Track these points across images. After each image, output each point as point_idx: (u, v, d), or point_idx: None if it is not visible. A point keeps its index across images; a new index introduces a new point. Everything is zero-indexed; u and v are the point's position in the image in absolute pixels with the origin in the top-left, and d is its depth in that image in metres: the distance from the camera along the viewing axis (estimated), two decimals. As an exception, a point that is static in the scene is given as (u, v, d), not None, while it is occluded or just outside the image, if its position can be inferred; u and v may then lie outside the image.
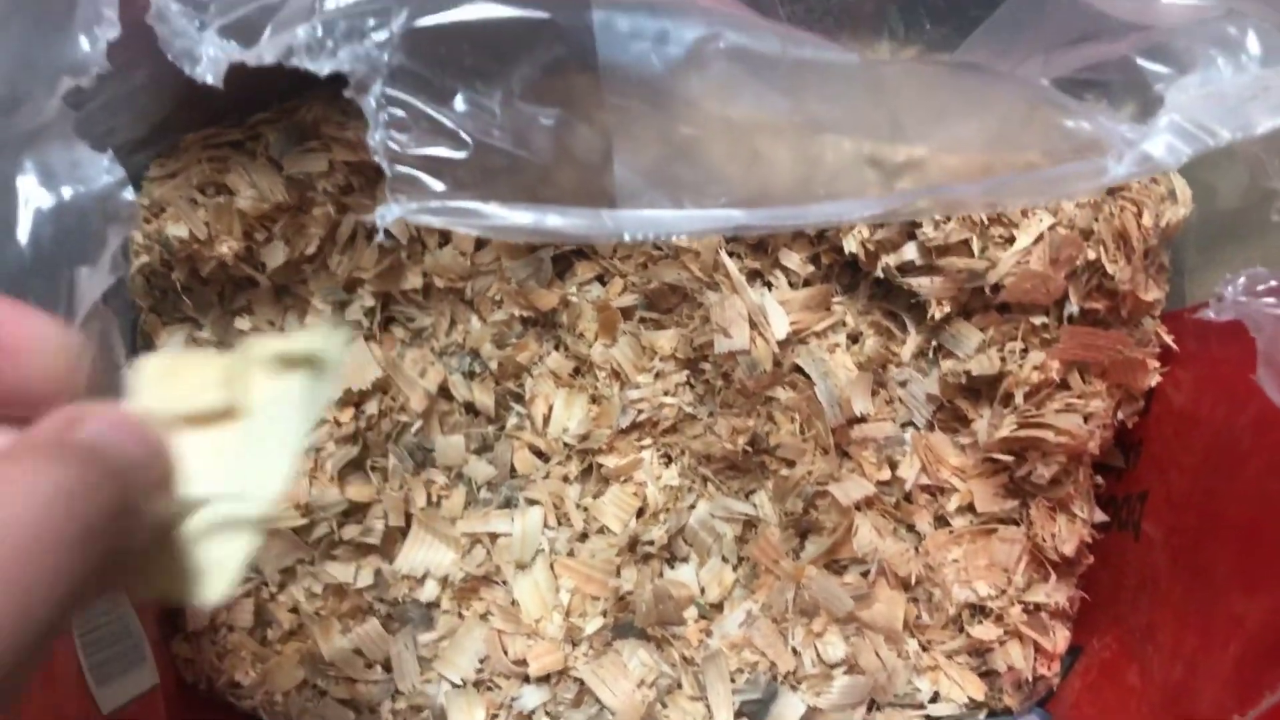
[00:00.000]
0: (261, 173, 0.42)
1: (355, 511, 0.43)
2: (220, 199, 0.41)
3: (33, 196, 0.26)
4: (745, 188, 0.25)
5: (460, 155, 0.25)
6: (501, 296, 0.44)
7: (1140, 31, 0.26)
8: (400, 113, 0.25)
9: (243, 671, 0.41)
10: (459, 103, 0.25)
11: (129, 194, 0.28)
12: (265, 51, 0.26)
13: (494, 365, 0.44)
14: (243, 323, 0.44)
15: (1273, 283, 0.27)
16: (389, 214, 0.25)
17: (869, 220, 0.27)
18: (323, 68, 0.26)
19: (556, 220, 0.24)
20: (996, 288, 0.36)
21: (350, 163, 0.43)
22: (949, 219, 0.35)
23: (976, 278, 0.36)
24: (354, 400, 0.43)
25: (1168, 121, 0.24)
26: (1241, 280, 0.27)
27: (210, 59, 0.25)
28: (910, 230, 0.36)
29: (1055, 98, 0.25)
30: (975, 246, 0.35)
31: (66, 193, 0.27)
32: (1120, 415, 0.38)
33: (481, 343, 0.44)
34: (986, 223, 0.35)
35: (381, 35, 0.25)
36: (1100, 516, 0.39)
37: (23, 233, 0.26)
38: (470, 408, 0.44)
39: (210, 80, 0.25)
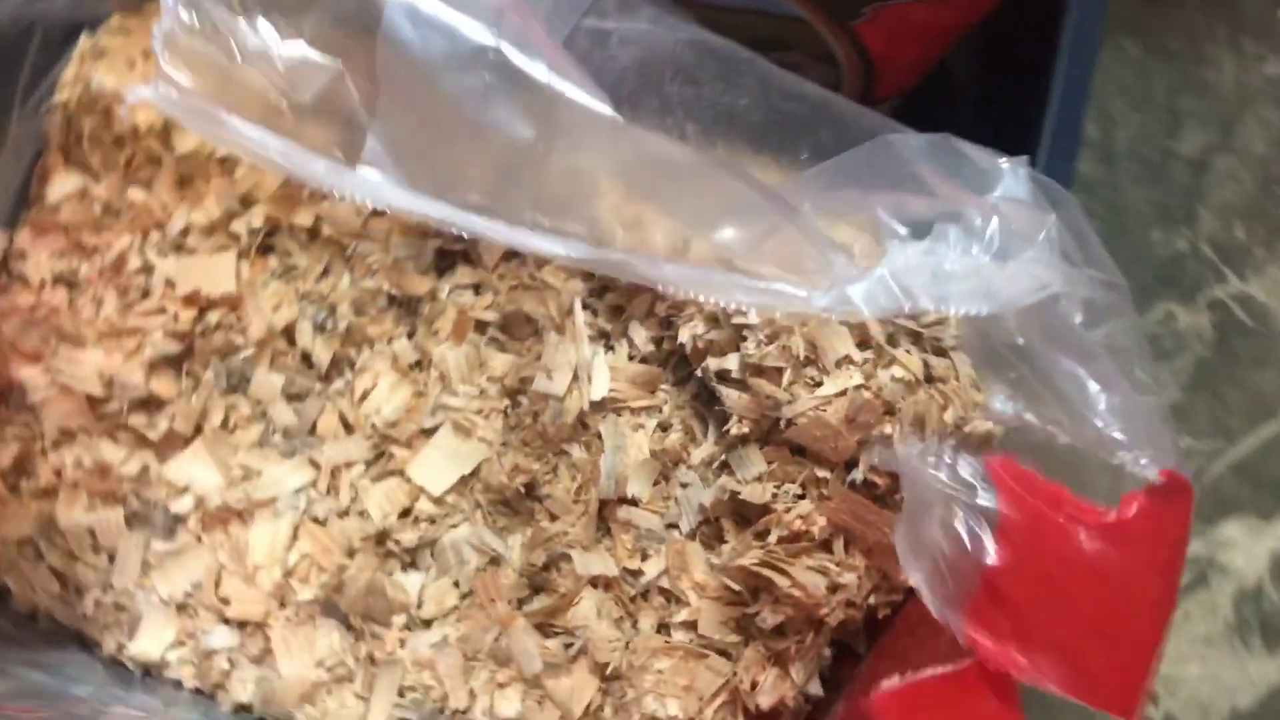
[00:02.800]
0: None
1: (151, 404, 0.46)
2: (149, 66, 0.45)
3: None
4: (481, 193, 0.28)
5: (229, 66, 0.28)
6: (378, 267, 0.47)
7: (908, 195, 0.29)
8: (191, 11, 0.28)
9: (-23, 505, 0.44)
10: (249, 23, 0.28)
11: None
12: None
13: (344, 326, 0.47)
14: (137, 194, 0.48)
15: (947, 458, 0.28)
16: (140, 94, 0.28)
17: (565, 261, 0.29)
18: None
19: (288, 155, 0.27)
20: (790, 424, 0.38)
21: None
22: (773, 341, 0.37)
23: (775, 407, 0.38)
24: (199, 303, 0.46)
25: (878, 275, 0.26)
26: (919, 445, 0.29)
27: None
28: (739, 341, 0.39)
29: (809, 226, 0.28)
30: (785, 378, 0.38)
31: None
32: (873, 600, 0.39)
33: (342, 301, 0.47)
34: (804, 361, 0.37)
35: None
36: (817, 690, 0.40)
37: None
38: (306, 358, 0.47)
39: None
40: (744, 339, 0.39)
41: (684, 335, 0.41)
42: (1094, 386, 0.31)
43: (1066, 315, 0.31)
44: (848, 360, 0.37)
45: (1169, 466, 0.30)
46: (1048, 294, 0.30)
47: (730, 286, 0.30)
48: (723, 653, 0.41)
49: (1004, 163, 0.33)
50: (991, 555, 0.30)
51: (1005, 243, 0.27)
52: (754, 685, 0.39)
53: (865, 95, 0.45)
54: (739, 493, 0.40)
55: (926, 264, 0.28)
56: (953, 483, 0.32)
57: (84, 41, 0.47)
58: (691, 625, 0.41)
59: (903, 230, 0.28)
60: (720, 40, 0.39)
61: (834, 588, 0.39)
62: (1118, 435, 0.30)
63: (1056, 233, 0.31)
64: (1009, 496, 0.31)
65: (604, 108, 0.28)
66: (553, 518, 0.42)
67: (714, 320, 0.40)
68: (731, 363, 0.40)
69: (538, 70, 0.28)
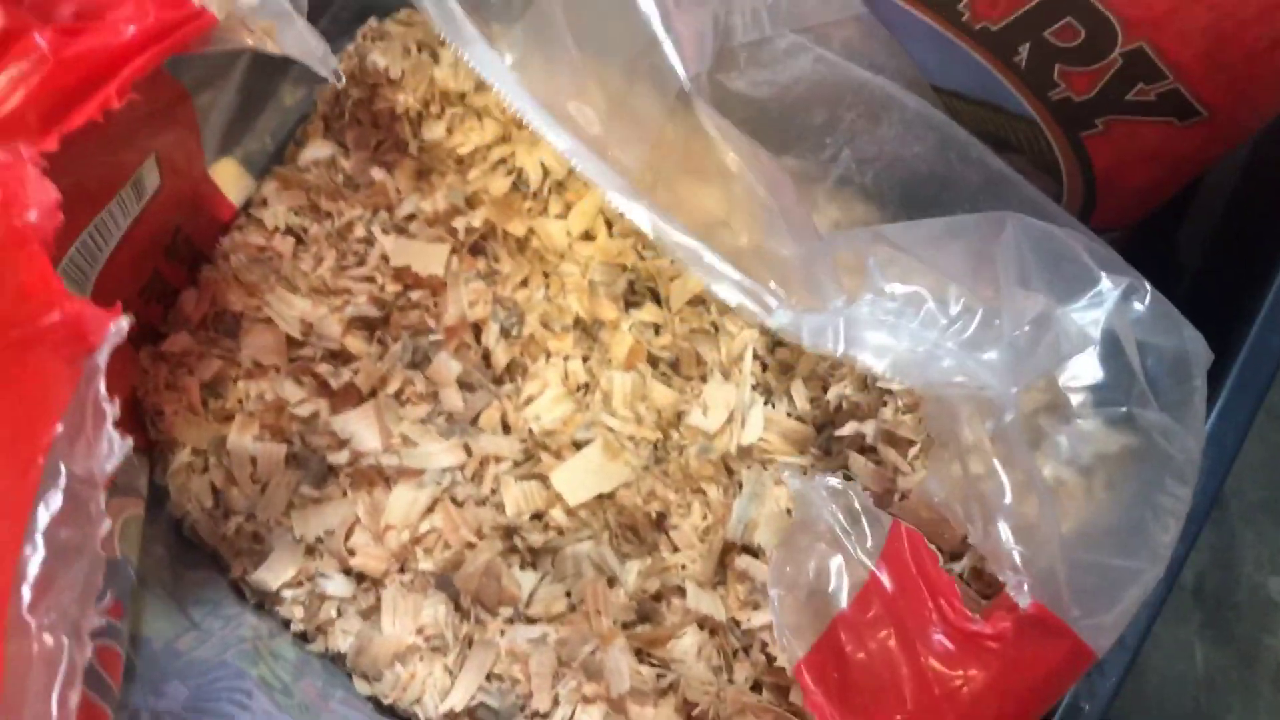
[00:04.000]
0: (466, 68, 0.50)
1: (340, 357, 0.49)
2: (425, 59, 0.49)
3: None
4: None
5: None
6: (573, 288, 0.50)
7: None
8: None
9: (172, 407, 0.48)
10: None
11: None
12: None
13: (527, 335, 0.49)
14: (379, 174, 0.52)
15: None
16: None
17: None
18: None
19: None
20: (902, 497, 0.37)
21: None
22: (910, 410, 0.37)
23: (892, 480, 0.38)
24: (407, 279, 0.50)
25: (836, 319, 0.26)
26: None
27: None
28: (879, 408, 0.39)
29: (824, 258, 0.29)
30: (912, 453, 0.37)
31: None
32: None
33: (532, 311, 0.49)
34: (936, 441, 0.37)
35: None
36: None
37: None
38: (486, 355, 0.50)
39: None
40: (884, 404, 0.39)
41: (832, 394, 0.42)
42: (1009, 500, 0.30)
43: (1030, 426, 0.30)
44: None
45: (1047, 604, 0.29)
46: (975, 390, 0.29)
47: (721, 275, 0.31)
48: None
49: (1109, 281, 0.31)
50: (844, 605, 0.32)
51: (980, 338, 0.27)
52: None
53: (1083, 218, 0.45)
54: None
55: (894, 325, 0.28)
56: (847, 522, 0.33)
57: (371, 23, 0.52)
58: (784, 691, 0.40)
59: (894, 289, 0.29)
60: (940, 113, 0.40)
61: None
62: (1015, 556, 0.30)
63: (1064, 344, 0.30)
64: (894, 560, 0.32)
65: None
66: (675, 549, 0.43)
67: (862, 384, 0.40)
68: (869, 428, 0.40)
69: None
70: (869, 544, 0.31)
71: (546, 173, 0.51)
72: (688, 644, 0.41)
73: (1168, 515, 0.28)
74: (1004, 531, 0.29)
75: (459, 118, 0.51)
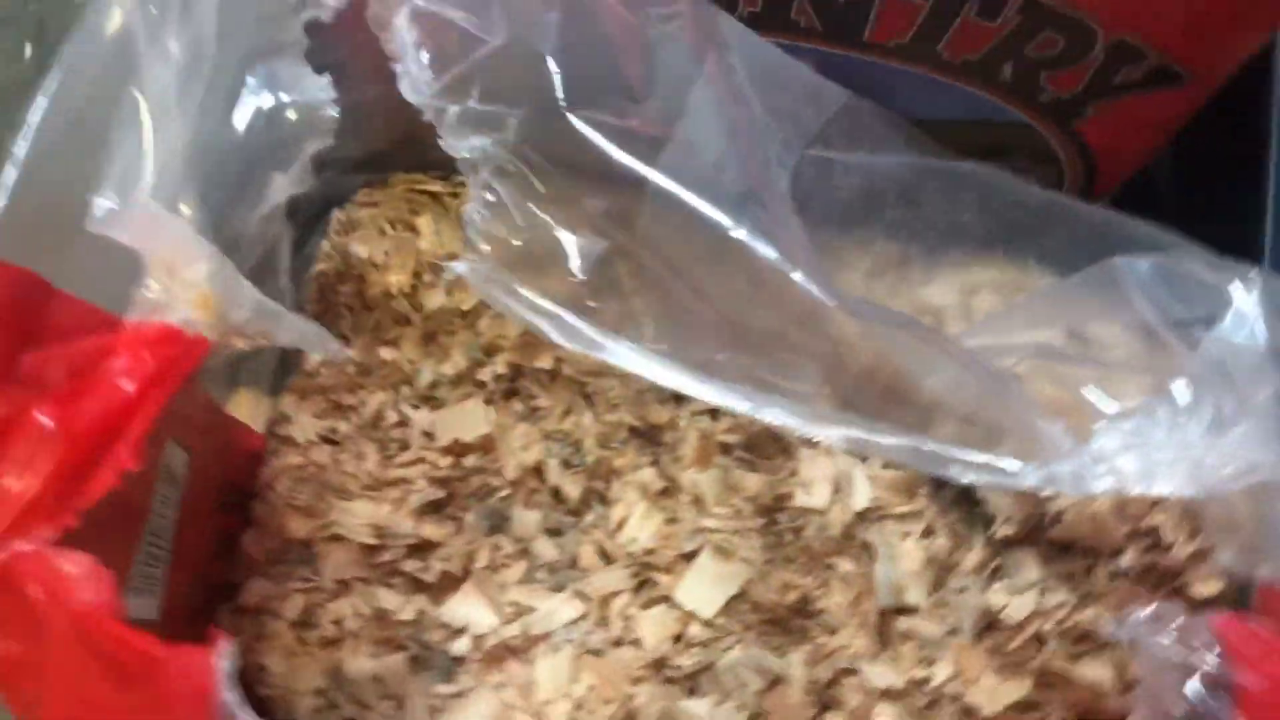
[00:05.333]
0: (447, 224, 0.50)
1: (422, 549, 0.49)
2: (405, 234, 0.49)
3: (259, 97, 0.34)
4: (728, 354, 0.31)
5: (521, 244, 0.32)
6: (619, 401, 0.50)
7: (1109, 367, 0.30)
8: (490, 197, 0.32)
9: (272, 658, 0.47)
10: (536, 205, 0.32)
11: (333, 112, 0.36)
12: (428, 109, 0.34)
13: (591, 461, 0.49)
14: (387, 353, 0.52)
15: (1177, 622, 0.29)
16: (457, 268, 0.32)
17: (790, 426, 0.32)
18: (450, 146, 0.34)
19: (571, 323, 0.31)
20: (1055, 520, 0.39)
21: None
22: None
23: (1041, 504, 0.39)
24: (456, 450, 0.50)
25: (1085, 457, 0.28)
26: (1151, 609, 0.29)
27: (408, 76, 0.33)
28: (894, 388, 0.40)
29: (1021, 397, 0.30)
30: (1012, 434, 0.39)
31: (284, 98, 0.35)
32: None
33: (587, 437, 0.50)
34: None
35: (500, 135, 0.33)
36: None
37: (241, 122, 0.34)
38: (557, 494, 0.50)
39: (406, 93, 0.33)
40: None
41: (908, 405, 0.43)
42: None
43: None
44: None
45: None
46: (1256, 480, 0.30)
47: (941, 458, 0.32)
48: (1025, 756, 0.41)
49: (1235, 284, 0.33)
50: None
51: (1218, 415, 0.28)
52: (1066, 788, 0.40)
53: (1087, 189, 0.47)
54: (1008, 604, 0.41)
55: (1134, 444, 0.29)
56: (1181, 649, 0.31)
57: (337, 215, 0.51)
58: (991, 734, 0.41)
59: (1111, 408, 0.30)
60: (939, 160, 0.41)
61: (1126, 683, 0.40)
62: None
63: (1273, 404, 0.30)
64: (1245, 658, 0.29)
65: (828, 296, 0.31)
66: (831, 632, 0.44)
67: (968, 419, 0.41)
68: (956, 423, 0.41)
69: (773, 257, 0.31)
70: (1211, 659, 0.30)
71: (554, 300, 0.51)
72: (883, 717, 0.42)
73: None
74: None
75: (455, 278, 0.51)
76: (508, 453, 0.50)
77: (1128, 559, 0.39)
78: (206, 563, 0.48)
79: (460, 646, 0.47)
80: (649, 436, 0.50)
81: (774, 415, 0.31)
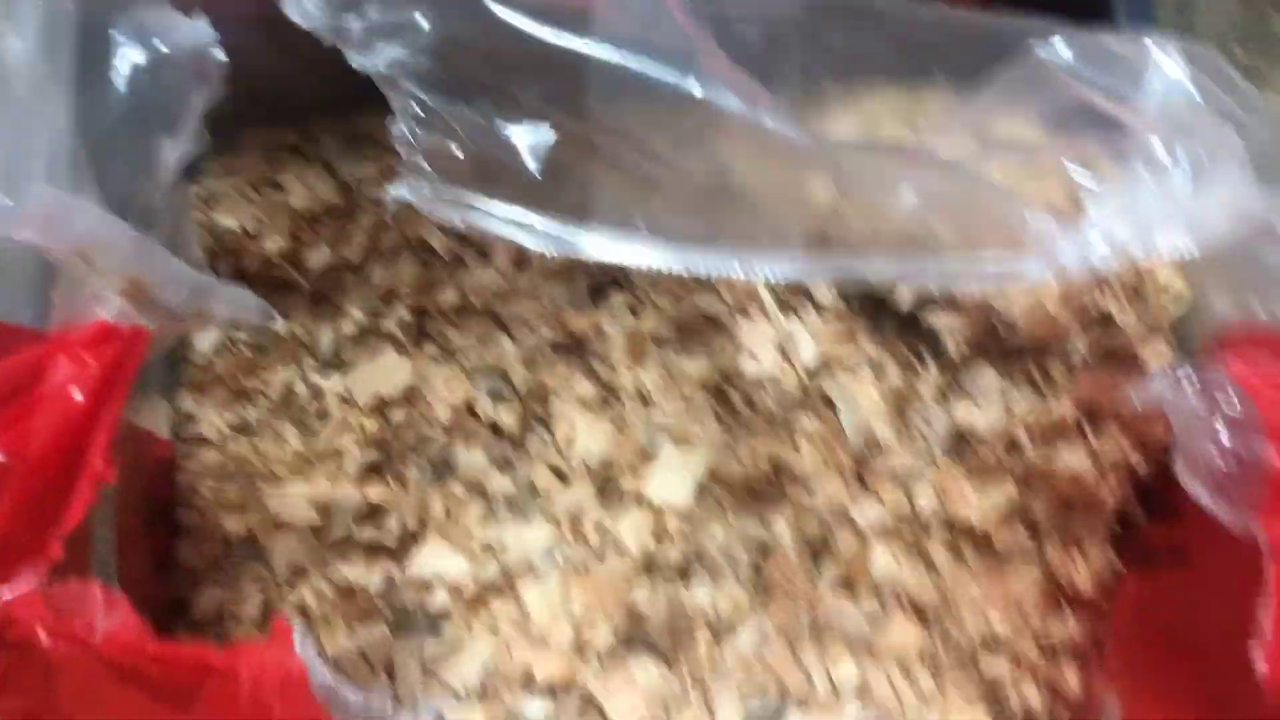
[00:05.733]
0: (315, 174, 0.47)
1: (372, 514, 0.46)
2: (273, 195, 0.46)
3: (129, 51, 0.31)
4: (708, 225, 0.30)
5: (464, 155, 0.30)
6: (535, 319, 0.48)
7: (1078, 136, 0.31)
8: (418, 109, 0.30)
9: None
10: (471, 110, 0.30)
11: (218, 54, 0.32)
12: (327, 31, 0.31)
13: (522, 387, 0.48)
14: (279, 325, 0.48)
15: (1195, 375, 0.30)
16: (399, 195, 0.30)
17: (786, 277, 0.31)
18: (363, 64, 0.31)
19: (539, 225, 0.29)
20: (1009, 326, 0.40)
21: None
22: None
23: (991, 314, 0.40)
24: (380, 407, 0.47)
25: (1084, 234, 0.28)
26: (1166, 370, 0.31)
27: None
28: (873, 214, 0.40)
29: (999, 188, 0.30)
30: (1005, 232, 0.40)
31: (160, 48, 0.31)
32: (1140, 466, 0.42)
33: (511, 364, 0.48)
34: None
35: (414, 41, 0.31)
36: (1117, 564, 0.42)
37: (120, 83, 0.30)
38: (495, 428, 0.48)
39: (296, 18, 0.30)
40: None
41: (894, 224, 0.43)
42: None
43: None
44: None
45: None
46: (1248, 225, 0.31)
47: (944, 271, 0.32)
48: (1022, 557, 0.42)
49: (1151, 46, 0.34)
50: (1266, 456, 0.29)
51: (1198, 162, 0.29)
52: (1068, 575, 0.41)
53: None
54: (975, 420, 0.42)
55: (1127, 211, 0.30)
56: (1205, 399, 0.32)
57: (194, 190, 0.47)
58: (984, 543, 0.43)
59: (1093, 181, 0.30)
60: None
61: (1102, 465, 0.42)
62: None
63: (1243, 149, 0.32)
64: (1262, 395, 0.30)
65: (795, 129, 0.30)
66: (809, 490, 0.44)
67: (955, 230, 0.42)
68: (948, 235, 0.42)
69: (734, 106, 0.30)
70: (1233, 403, 0.31)
71: (446, 233, 0.49)
72: (883, 560, 0.43)
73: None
74: None
75: (335, 231, 0.48)
76: (435, 398, 0.48)
77: (1080, 349, 0.40)
78: (147, 584, 0.45)
79: (439, 600, 0.46)
80: (575, 348, 0.49)
81: (770, 271, 0.30)
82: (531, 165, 0.31)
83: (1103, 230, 0.28)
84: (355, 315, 0.49)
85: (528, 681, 0.43)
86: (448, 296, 0.49)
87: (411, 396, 0.48)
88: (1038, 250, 0.29)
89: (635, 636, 0.43)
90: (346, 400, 0.48)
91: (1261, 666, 0.27)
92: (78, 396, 0.28)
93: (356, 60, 0.30)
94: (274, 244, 0.47)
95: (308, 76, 0.44)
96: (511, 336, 0.49)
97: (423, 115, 0.30)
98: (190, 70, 0.31)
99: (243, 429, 0.48)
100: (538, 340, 0.49)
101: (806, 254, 0.30)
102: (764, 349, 0.44)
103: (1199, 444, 0.29)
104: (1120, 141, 0.31)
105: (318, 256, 0.48)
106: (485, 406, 0.48)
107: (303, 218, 0.47)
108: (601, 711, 0.43)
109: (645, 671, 0.43)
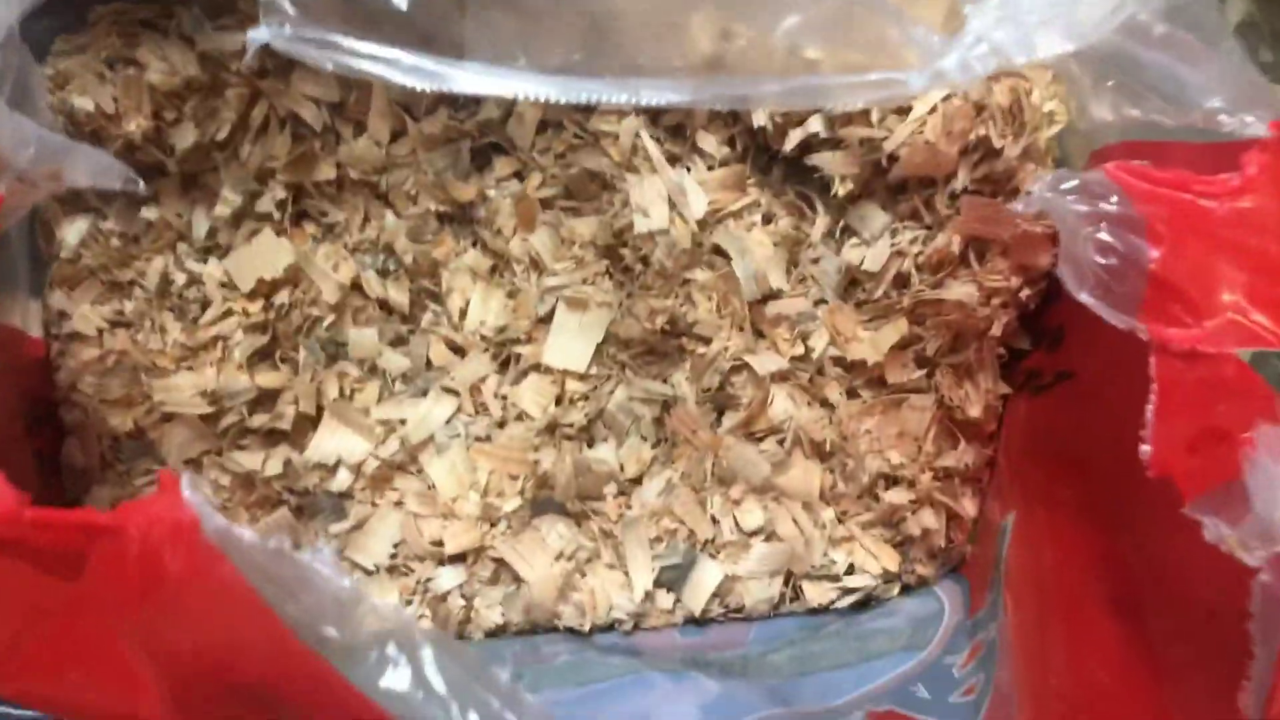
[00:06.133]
0: (174, 48, 0.45)
1: (264, 400, 0.46)
2: (130, 72, 0.44)
3: None
4: (589, 59, 0.29)
5: None
6: (417, 190, 0.47)
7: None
8: None
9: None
10: None
11: None
12: None
13: (409, 261, 0.47)
14: (149, 213, 0.47)
15: (1075, 181, 0.31)
16: (258, 37, 0.29)
17: (673, 103, 0.31)
18: None
19: (410, 61, 0.28)
20: (892, 160, 0.40)
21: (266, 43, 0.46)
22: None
23: (874, 149, 0.40)
24: (263, 290, 0.46)
25: (965, 42, 0.28)
26: (1049, 178, 0.31)
27: None
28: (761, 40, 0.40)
29: (870, 4, 0.30)
30: (874, 116, 0.40)
31: None
32: (1024, 294, 0.43)
33: (396, 238, 0.47)
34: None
35: None
36: (1005, 388, 0.44)
37: None
38: (384, 305, 0.47)
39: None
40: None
41: (759, 119, 0.43)
42: (1184, 70, 0.32)
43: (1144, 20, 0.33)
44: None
45: (1275, 117, 0.31)
46: (1126, 14, 0.31)
47: (830, 90, 0.32)
48: (915, 390, 0.44)
49: None
50: (1145, 254, 0.31)
51: None
52: (960, 403, 0.42)
53: None
54: (865, 258, 0.43)
55: (1006, 14, 0.30)
56: (1087, 202, 0.32)
57: (44, 72, 0.45)
58: (878, 379, 0.44)
59: None
60: None
61: (988, 293, 0.43)
62: (1219, 104, 0.31)
63: None
64: (1140, 194, 0.31)
65: None
66: (706, 341, 0.44)
67: (835, 48, 0.41)
68: (816, 124, 0.42)
69: None
70: (1113, 202, 0.31)
71: (319, 104, 0.47)
72: (781, 402, 0.43)
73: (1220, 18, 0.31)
74: (1199, 98, 0.30)
75: (200, 108, 0.46)
76: (319, 278, 0.47)
77: (962, 178, 0.41)
78: (35, 488, 0.43)
79: (341, 481, 0.45)
80: (461, 218, 0.48)
81: (654, 96, 0.30)
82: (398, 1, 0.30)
83: (983, 36, 0.29)
84: (229, 197, 0.47)
85: (438, 552, 0.43)
86: (324, 171, 0.47)
87: (295, 277, 0.46)
88: (921, 63, 0.29)
89: (543, 499, 0.44)
90: (227, 285, 0.46)
91: (1145, 449, 0.29)
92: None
93: None
94: (135, 124, 0.45)
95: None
96: (394, 209, 0.48)
97: None
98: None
99: (120, 322, 0.46)
100: (422, 212, 0.47)
101: (690, 82, 0.30)
102: (654, 204, 0.44)
103: (1081, 247, 0.30)
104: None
105: (184, 136, 0.46)
106: (373, 283, 0.47)
107: (164, 95, 0.45)
108: (515, 574, 0.43)
109: (555, 531, 0.43)
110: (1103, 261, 0.30)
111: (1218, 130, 0.30)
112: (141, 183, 0.35)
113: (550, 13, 0.30)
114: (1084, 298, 0.30)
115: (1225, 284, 0.29)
